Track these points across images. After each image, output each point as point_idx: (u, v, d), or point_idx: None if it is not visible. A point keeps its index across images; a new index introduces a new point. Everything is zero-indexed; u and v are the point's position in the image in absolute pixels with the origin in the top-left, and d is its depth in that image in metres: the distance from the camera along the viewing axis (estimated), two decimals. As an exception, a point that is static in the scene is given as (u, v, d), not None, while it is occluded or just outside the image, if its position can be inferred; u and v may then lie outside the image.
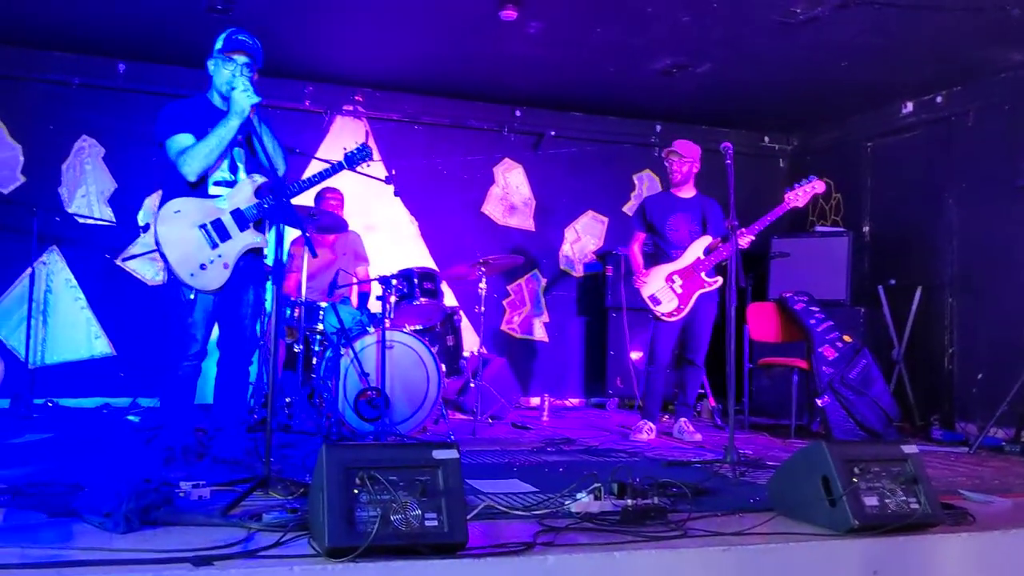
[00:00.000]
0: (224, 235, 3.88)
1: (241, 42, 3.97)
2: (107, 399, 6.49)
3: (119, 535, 2.61)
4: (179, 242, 3.82)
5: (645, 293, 5.59)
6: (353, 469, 2.48)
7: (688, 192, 5.74)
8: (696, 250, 5.59)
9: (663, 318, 5.56)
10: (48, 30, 6.17)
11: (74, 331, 6.62)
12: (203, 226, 3.85)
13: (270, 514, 2.82)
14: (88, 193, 6.69)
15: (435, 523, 2.47)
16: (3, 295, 6.44)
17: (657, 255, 5.78)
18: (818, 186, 5.34)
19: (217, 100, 4.03)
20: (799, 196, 5.31)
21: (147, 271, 6.76)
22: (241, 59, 3.95)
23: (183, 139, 3.89)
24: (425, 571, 2.39)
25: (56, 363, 6.56)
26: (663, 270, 5.61)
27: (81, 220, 6.61)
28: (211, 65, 4.02)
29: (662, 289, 5.56)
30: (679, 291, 5.54)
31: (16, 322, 6.36)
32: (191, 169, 3.84)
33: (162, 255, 3.83)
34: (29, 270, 6.16)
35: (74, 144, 6.70)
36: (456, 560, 2.43)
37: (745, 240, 5.29)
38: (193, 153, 3.83)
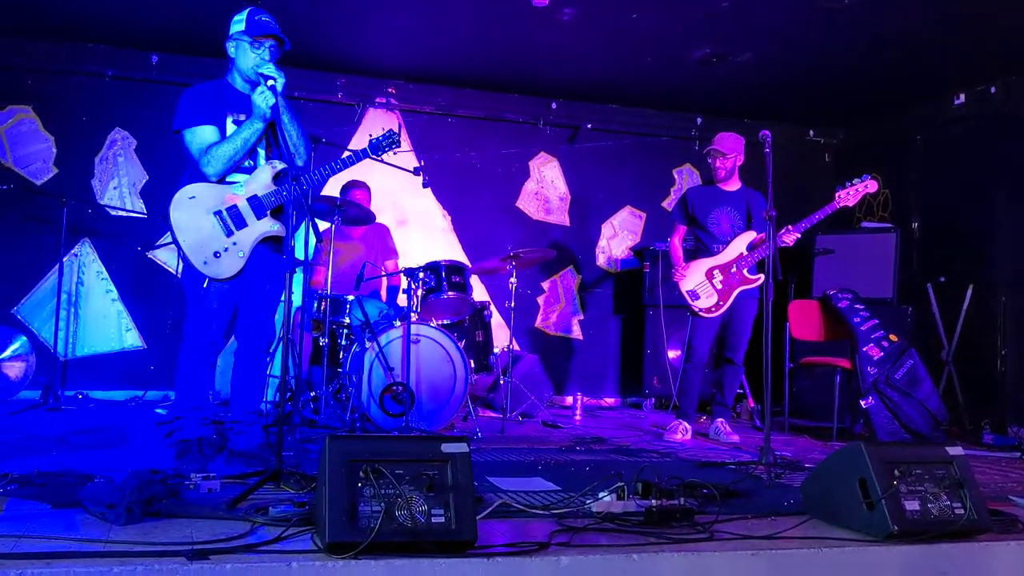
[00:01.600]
0: (240, 222, 3.78)
1: (266, 24, 3.87)
2: (137, 392, 6.48)
3: (120, 526, 2.54)
4: (193, 228, 3.73)
5: (684, 287, 5.43)
6: (357, 462, 2.38)
7: (733, 185, 5.56)
8: (739, 245, 5.41)
9: (701, 314, 5.39)
10: (81, 23, 6.17)
11: (105, 323, 6.62)
12: (218, 212, 3.75)
13: (277, 508, 2.72)
14: (120, 185, 6.69)
15: (442, 520, 2.35)
16: (36, 287, 6.46)
17: (698, 249, 5.60)
18: (871, 185, 5.16)
19: (239, 83, 3.93)
20: (850, 195, 5.14)
21: (176, 262, 6.73)
22: (268, 42, 3.86)
23: (205, 133, 3.80)
24: (430, 570, 2.27)
25: (87, 355, 6.57)
26: (703, 264, 5.44)
27: (113, 212, 6.62)
28: (231, 48, 3.91)
29: (701, 284, 5.39)
30: (719, 287, 5.37)
31: (48, 314, 6.36)
32: (214, 170, 3.76)
33: (176, 242, 3.74)
34: (59, 263, 6.17)
35: (107, 136, 6.71)
36: (463, 559, 2.31)
37: (791, 238, 5.15)
38: (217, 155, 3.74)
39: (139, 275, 6.71)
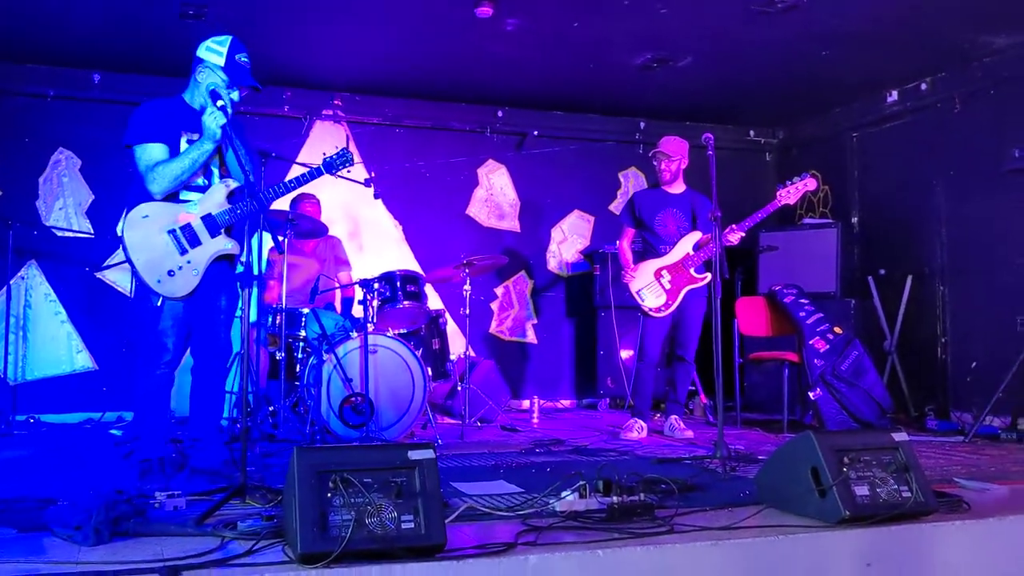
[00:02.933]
0: (194, 241, 3.79)
1: (246, 72, 3.88)
2: (90, 414, 6.40)
3: (88, 547, 2.54)
4: (146, 247, 3.73)
5: (633, 288, 5.55)
6: (325, 472, 2.41)
7: (678, 188, 5.70)
8: (685, 246, 5.54)
9: (651, 313, 5.51)
10: (22, 43, 6.09)
11: (55, 346, 6.53)
12: (172, 231, 3.76)
13: (245, 522, 2.74)
14: (66, 206, 6.61)
15: (411, 525, 2.40)
16: (-18, 311, 6.36)
17: (646, 251, 5.73)
18: (810, 184, 5.31)
19: (197, 104, 3.92)
20: (791, 193, 5.28)
21: (126, 282, 6.68)
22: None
23: (155, 151, 3.79)
24: (402, 575, 2.31)
25: (37, 379, 6.47)
26: (652, 265, 5.57)
27: (59, 233, 6.54)
28: (202, 74, 3.88)
29: (650, 284, 5.52)
30: (667, 286, 5.49)
31: (-3, 338, 6.27)
32: (159, 188, 3.76)
33: (129, 261, 3.73)
34: (6, 286, 6.08)
35: (51, 157, 6.63)
36: (434, 563, 2.36)
37: (735, 236, 5.28)
38: (163, 173, 3.74)
39: (88, 296, 6.63)
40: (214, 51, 3.88)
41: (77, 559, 2.40)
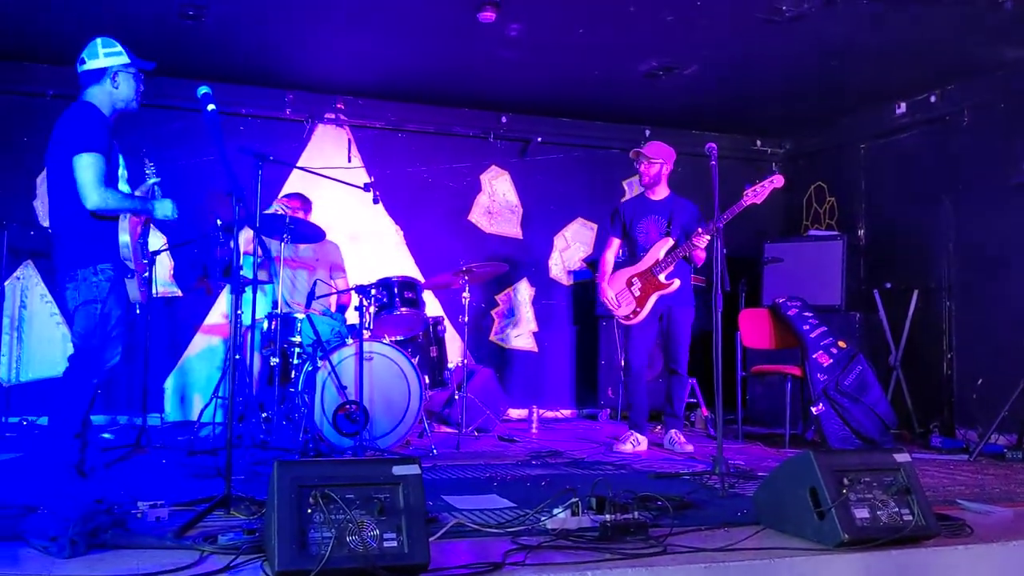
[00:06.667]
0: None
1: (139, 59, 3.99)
2: (84, 416, 6.33)
3: (63, 560, 2.48)
4: (130, 247, 3.86)
5: (606, 297, 5.53)
6: (307, 487, 2.35)
7: (660, 194, 5.61)
8: (657, 251, 5.45)
9: (623, 321, 5.48)
10: (19, 42, 6.03)
11: (50, 347, 6.45)
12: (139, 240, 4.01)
13: (226, 536, 2.68)
14: (64, 206, 6.55)
15: (394, 544, 2.33)
16: (-24, 312, 6.30)
17: (631, 260, 5.65)
18: (777, 180, 5.19)
19: (108, 110, 3.93)
20: (758, 192, 5.16)
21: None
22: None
23: (101, 164, 3.74)
24: (382, 596, 2.24)
25: (32, 380, 6.40)
26: (625, 273, 5.53)
27: (56, 233, 6.47)
28: (121, 80, 3.95)
29: (622, 291, 5.50)
30: (637, 294, 5.43)
31: (-9, 339, 6.21)
32: (101, 207, 3.74)
33: (120, 259, 3.84)
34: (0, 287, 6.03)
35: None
36: (416, 583, 2.29)
37: (701, 240, 5.18)
38: (114, 201, 3.76)
39: (84, 297, 6.56)
40: (116, 54, 3.95)
41: (50, 573, 2.34)
